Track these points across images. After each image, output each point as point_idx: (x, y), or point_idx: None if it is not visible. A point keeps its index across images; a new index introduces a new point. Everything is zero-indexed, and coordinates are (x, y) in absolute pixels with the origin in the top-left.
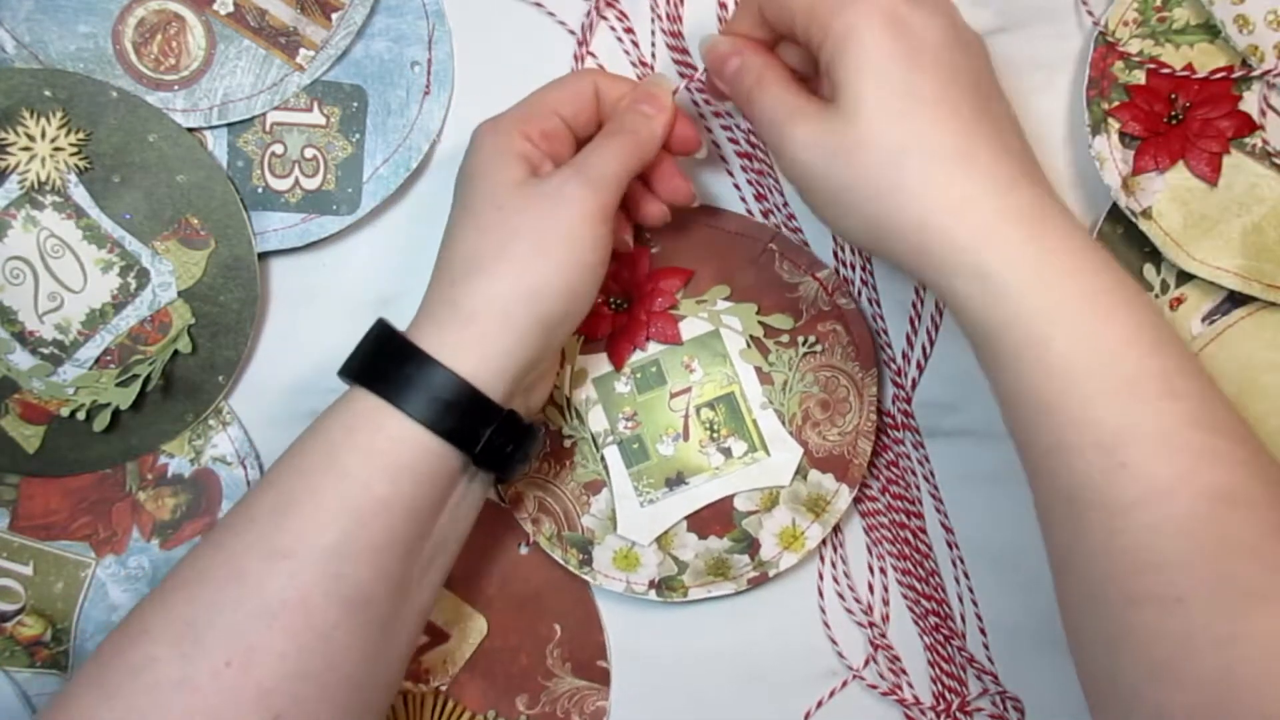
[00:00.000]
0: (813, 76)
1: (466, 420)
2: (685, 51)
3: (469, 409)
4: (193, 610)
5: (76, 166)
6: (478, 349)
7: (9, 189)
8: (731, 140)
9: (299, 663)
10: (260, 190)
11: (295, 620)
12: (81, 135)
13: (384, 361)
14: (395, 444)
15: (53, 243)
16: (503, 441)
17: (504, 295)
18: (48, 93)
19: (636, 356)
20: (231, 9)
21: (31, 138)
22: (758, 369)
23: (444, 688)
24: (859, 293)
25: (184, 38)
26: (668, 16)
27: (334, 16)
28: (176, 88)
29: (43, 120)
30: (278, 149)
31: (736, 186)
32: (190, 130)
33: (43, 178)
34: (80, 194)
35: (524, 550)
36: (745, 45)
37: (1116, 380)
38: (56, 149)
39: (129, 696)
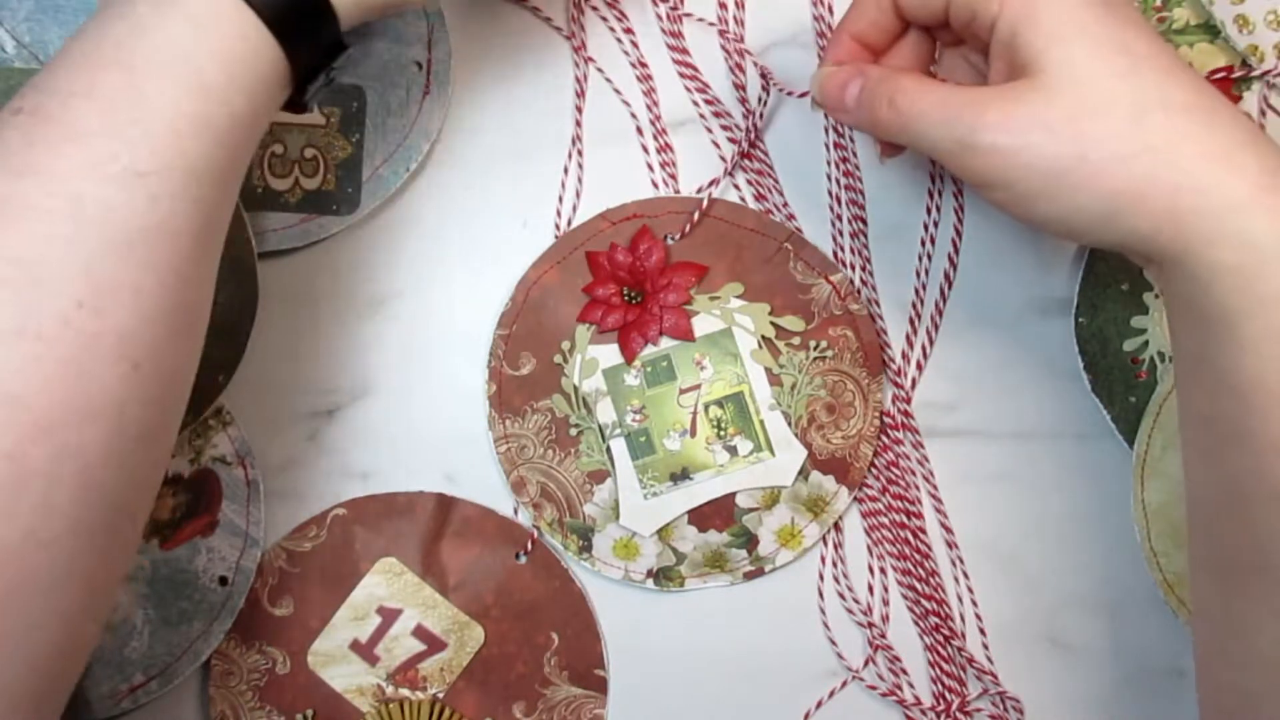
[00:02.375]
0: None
1: (318, 49)
2: (686, 51)
3: (325, 35)
4: (16, 244)
5: None
6: None
7: None
8: (732, 140)
9: (158, 301)
10: (260, 190)
11: (155, 251)
12: None
13: None
14: (255, 56)
15: None
16: (322, 65)
17: None
18: None
19: (648, 350)
20: None
21: None
22: (768, 370)
23: (441, 695)
24: (858, 293)
25: None
26: (668, 16)
27: None
28: None
29: None
30: (277, 149)
31: (736, 187)
32: None
33: None
34: None
35: (522, 560)
36: (860, 65)
37: None
38: None
39: None
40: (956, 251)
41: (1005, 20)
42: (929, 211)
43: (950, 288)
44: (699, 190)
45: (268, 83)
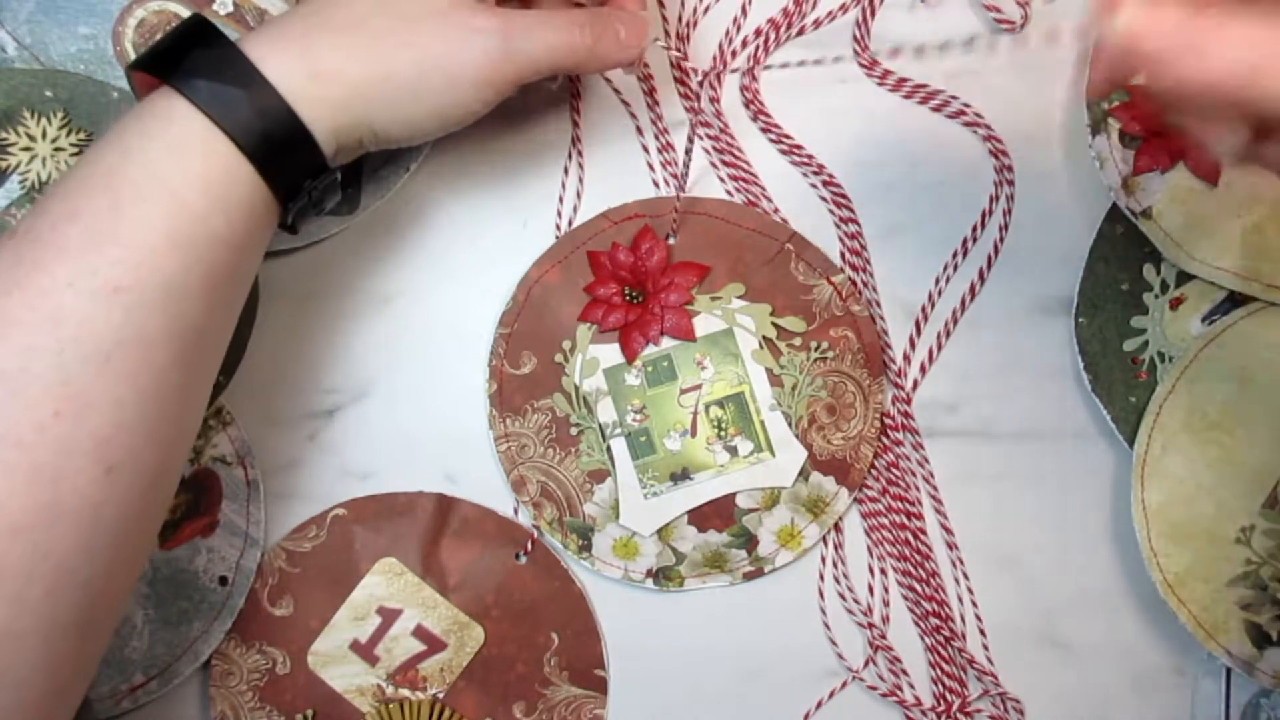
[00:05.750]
0: None
1: (299, 171)
2: (685, 56)
3: (306, 161)
4: (1, 358)
5: None
6: (323, 110)
7: (10, 189)
8: (715, 139)
9: (135, 409)
10: None
11: (131, 363)
12: (82, 136)
13: (225, 81)
14: (229, 176)
15: None
16: (316, 194)
17: (361, 80)
18: (49, 93)
19: (649, 350)
20: (231, 9)
21: (33, 138)
22: (768, 370)
23: (441, 695)
24: (860, 294)
25: None
26: (677, 18)
27: None
28: None
29: (44, 121)
30: None
31: (729, 193)
32: None
33: (44, 178)
34: None
35: (521, 560)
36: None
37: None
38: (57, 149)
39: None
40: (989, 265)
41: None
42: (972, 229)
43: (974, 298)
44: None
45: (248, 203)
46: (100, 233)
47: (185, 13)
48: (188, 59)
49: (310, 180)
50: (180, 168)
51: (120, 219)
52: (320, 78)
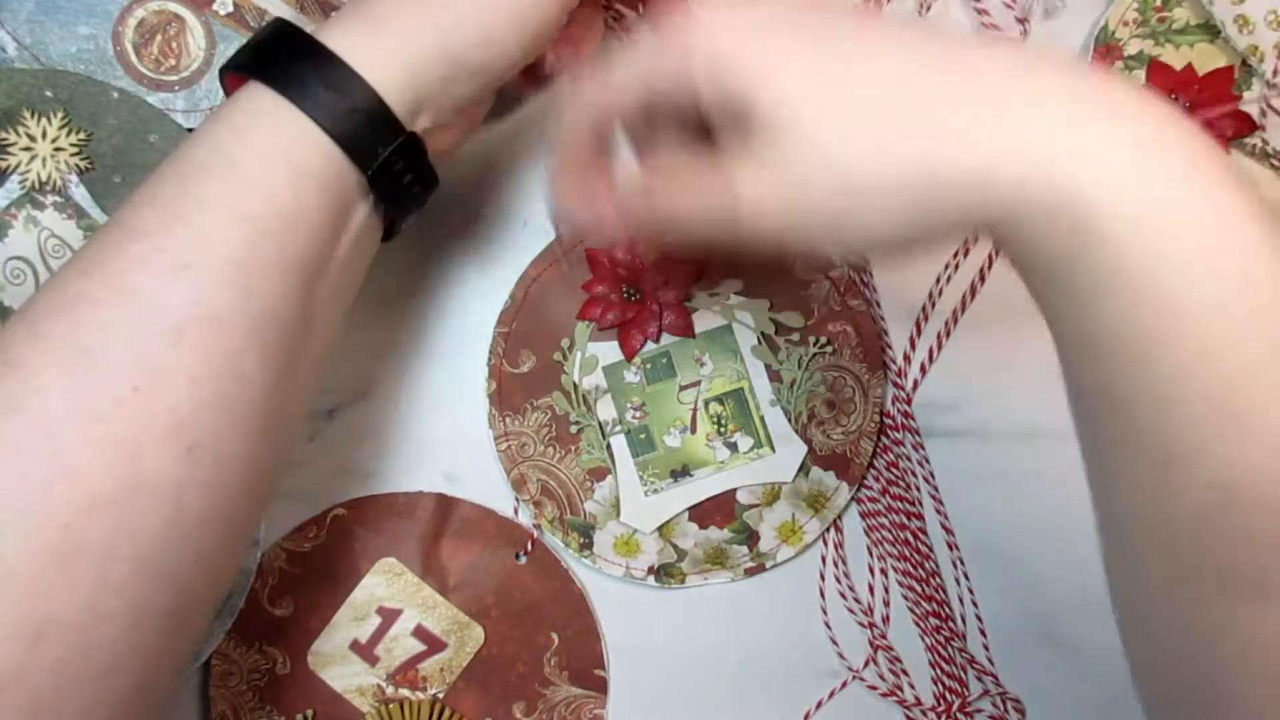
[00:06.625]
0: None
1: (367, 131)
2: None
3: (371, 118)
4: (78, 334)
5: (77, 167)
6: (384, 61)
7: (10, 189)
8: None
9: (212, 388)
10: None
11: (204, 339)
12: (82, 136)
13: (283, 56)
14: (295, 147)
15: (54, 243)
16: (402, 169)
17: (419, 25)
18: (49, 93)
19: (647, 347)
20: (231, 9)
21: (32, 138)
22: (768, 366)
23: (441, 695)
24: (858, 289)
25: (184, 38)
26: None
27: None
28: (177, 88)
29: (44, 121)
30: None
31: None
32: (191, 131)
33: (44, 178)
34: (81, 194)
35: (522, 560)
36: (600, 183)
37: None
38: (57, 149)
39: (9, 440)
40: (989, 265)
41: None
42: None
43: (974, 297)
44: None
45: (318, 175)
46: (170, 211)
47: (185, 12)
48: (260, 49)
49: (391, 149)
50: (243, 142)
51: (186, 196)
52: (378, 29)
